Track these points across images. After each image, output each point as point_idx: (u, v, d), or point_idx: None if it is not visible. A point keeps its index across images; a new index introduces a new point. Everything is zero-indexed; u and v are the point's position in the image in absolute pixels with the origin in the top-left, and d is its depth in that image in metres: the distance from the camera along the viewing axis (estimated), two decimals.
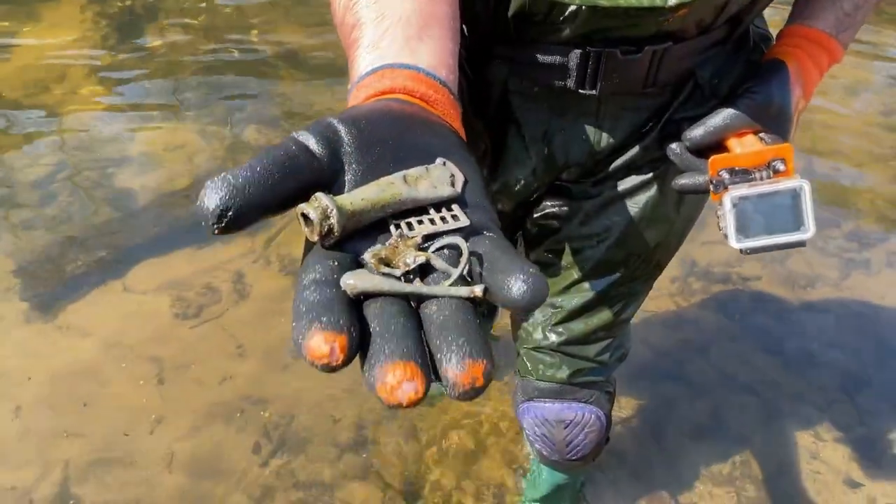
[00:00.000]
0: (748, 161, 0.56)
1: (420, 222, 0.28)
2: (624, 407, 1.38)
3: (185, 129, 2.08)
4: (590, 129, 0.63)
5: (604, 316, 0.76)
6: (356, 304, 0.24)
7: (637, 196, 0.68)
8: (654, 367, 1.48)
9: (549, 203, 0.71)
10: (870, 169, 2.21)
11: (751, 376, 1.47)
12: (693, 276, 1.73)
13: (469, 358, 0.22)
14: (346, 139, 0.29)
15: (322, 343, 0.21)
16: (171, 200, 1.83)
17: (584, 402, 0.82)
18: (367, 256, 0.26)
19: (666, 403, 1.40)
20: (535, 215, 0.73)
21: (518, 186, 0.69)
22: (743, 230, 0.56)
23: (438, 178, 0.29)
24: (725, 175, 0.56)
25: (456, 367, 0.22)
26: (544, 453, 0.92)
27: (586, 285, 0.74)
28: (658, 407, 1.39)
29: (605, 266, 0.72)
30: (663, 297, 1.65)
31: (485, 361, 0.22)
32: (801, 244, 0.56)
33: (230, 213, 0.24)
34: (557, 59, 0.56)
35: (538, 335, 0.80)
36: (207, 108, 2.19)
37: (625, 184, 0.67)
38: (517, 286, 0.23)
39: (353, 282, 0.24)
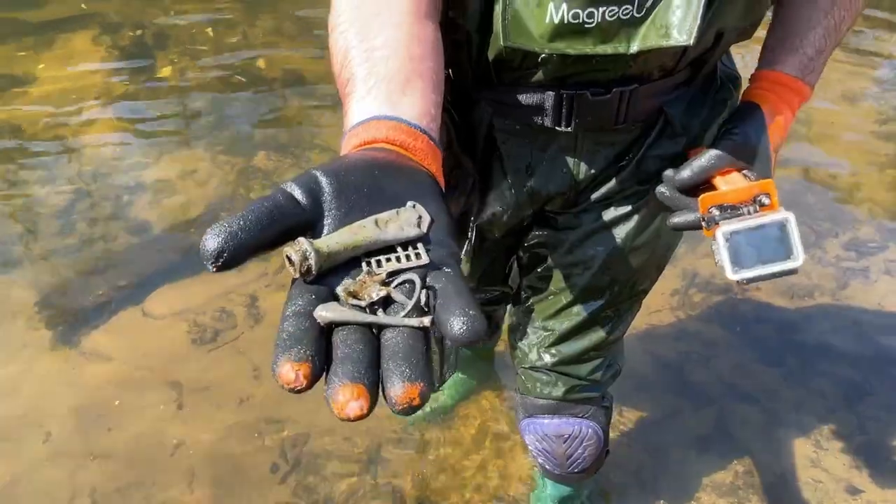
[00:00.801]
0: (735, 197, 0.60)
1: (388, 260, 0.33)
2: (628, 418, 1.42)
3: (197, 156, 2.15)
4: (569, 162, 0.68)
5: (593, 338, 0.81)
6: (327, 331, 0.29)
7: (618, 228, 0.73)
8: (657, 379, 1.52)
9: (537, 233, 0.77)
10: (867, 178, 2.25)
11: (752, 386, 1.50)
12: (694, 287, 1.77)
13: (408, 382, 0.26)
14: (326, 189, 0.33)
15: (289, 370, 0.26)
16: (185, 227, 1.90)
17: (581, 417, 0.87)
18: (340, 290, 0.31)
19: (669, 414, 1.44)
20: (527, 244, 0.79)
21: (505, 217, 0.74)
22: (738, 262, 0.59)
23: (407, 219, 0.34)
24: (716, 212, 0.61)
25: (396, 389, 0.26)
26: (547, 467, 0.96)
27: (575, 310, 0.79)
28: (662, 418, 1.43)
29: (591, 292, 0.77)
30: (666, 310, 1.70)
31: (421, 384, 0.27)
32: (793, 272, 0.60)
33: (225, 255, 0.29)
34: (535, 100, 0.62)
35: (533, 356, 0.85)
36: (217, 136, 2.26)
37: (606, 216, 0.73)
38: (457, 325, 0.28)
39: (323, 314, 0.29)
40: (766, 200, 0.60)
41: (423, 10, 0.47)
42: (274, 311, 1.64)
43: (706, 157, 0.63)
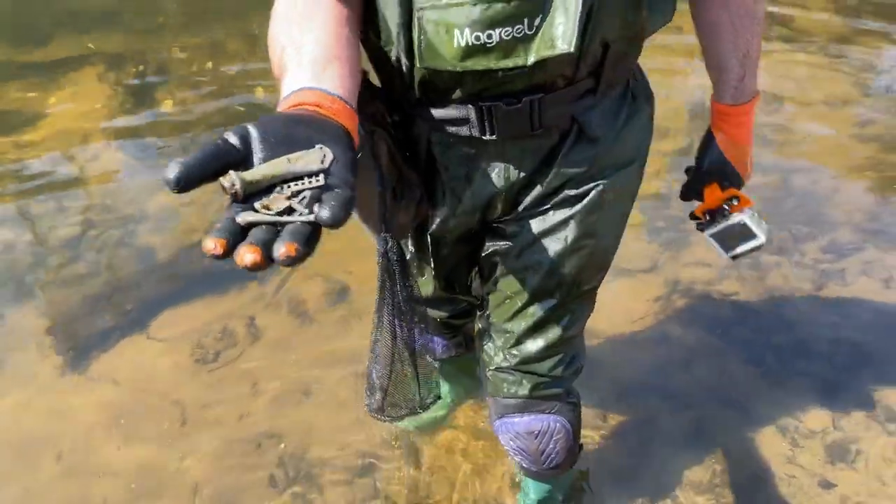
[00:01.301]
0: (714, 204, 0.92)
1: (294, 184, 0.44)
2: (610, 421, 1.48)
3: None
4: (501, 168, 0.77)
5: (550, 336, 0.89)
6: (246, 229, 0.41)
7: (558, 233, 0.81)
8: (640, 382, 1.58)
9: (490, 243, 0.87)
10: (846, 181, 2.31)
11: (731, 387, 1.56)
12: (676, 293, 1.83)
13: (287, 243, 0.38)
14: (254, 135, 0.45)
15: (210, 242, 0.38)
16: (187, 253, 2.00)
17: (548, 412, 0.94)
18: (257, 205, 0.43)
19: (651, 416, 1.50)
20: (483, 254, 0.88)
21: (453, 223, 0.83)
22: (725, 247, 0.94)
23: (314, 158, 0.45)
24: (706, 217, 0.94)
25: (279, 247, 0.38)
26: (524, 465, 1.03)
27: (530, 311, 0.87)
28: (643, 420, 1.49)
29: (543, 293, 0.86)
30: (649, 316, 1.76)
31: (296, 244, 0.38)
32: (761, 247, 0.92)
33: (182, 182, 0.40)
34: (460, 113, 0.71)
35: (499, 358, 0.93)
36: None
37: (546, 222, 0.81)
38: (323, 212, 0.39)
39: (241, 216, 0.41)
40: (735, 202, 0.90)
41: (344, 20, 0.61)
42: (272, 331, 1.73)
43: (691, 179, 0.93)
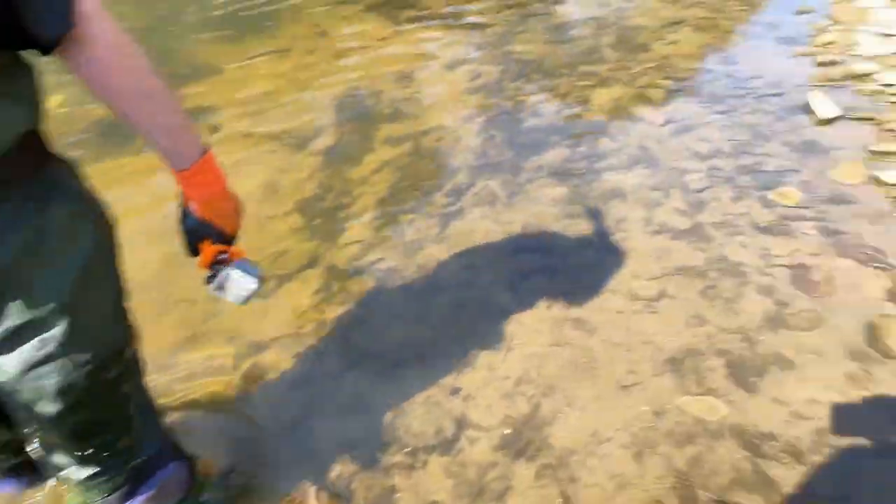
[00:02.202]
0: (208, 259, 0.98)
1: None
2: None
3: None
4: None
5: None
6: None
7: None
8: (319, 371, 1.66)
9: None
10: (463, 130, 2.68)
11: (374, 344, 1.72)
12: (334, 278, 1.95)
13: None
14: None
15: None
16: None
17: None
18: None
19: (312, 401, 1.58)
20: None
21: None
22: (230, 296, 1.00)
23: None
24: (211, 269, 0.99)
25: None
26: None
27: None
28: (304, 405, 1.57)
29: None
30: (311, 310, 1.85)
31: None
32: (259, 287, 1.00)
33: None
34: None
35: None
36: None
37: None
38: None
39: None
40: (224, 256, 0.99)
41: None
42: None
43: (180, 240, 0.97)
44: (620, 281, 1.78)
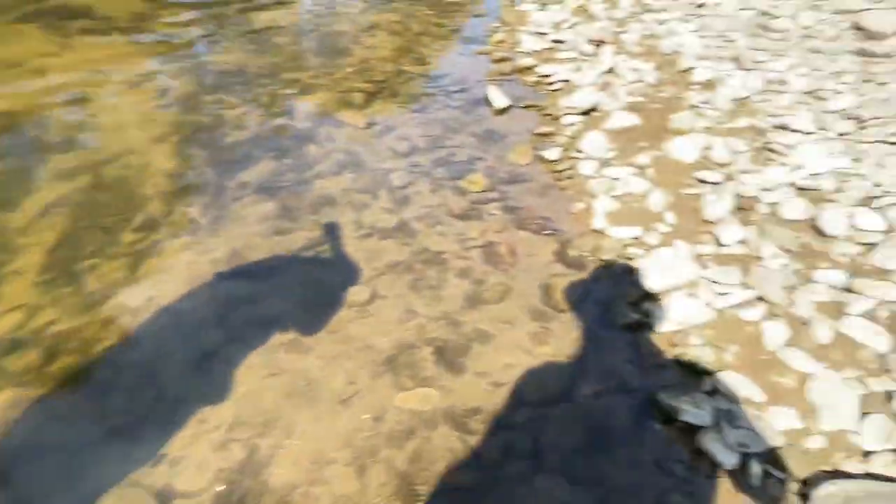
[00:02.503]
0: None
1: None
2: None
3: None
4: None
5: None
6: None
7: None
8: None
9: None
10: (155, 154, 2.39)
11: (53, 427, 1.42)
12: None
13: None
14: None
15: None
16: None
17: None
18: None
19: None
20: None
21: None
22: None
23: None
24: None
25: None
26: None
27: None
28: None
29: None
30: None
31: None
32: None
33: None
34: None
35: None
36: None
37: None
38: None
39: None
40: None
41: None
42: None
43: None
44: (333, 292, 1.75)
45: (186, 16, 3.73)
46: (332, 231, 1.98)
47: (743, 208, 1.90)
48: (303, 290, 1.75)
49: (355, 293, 1.74)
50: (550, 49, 3.16)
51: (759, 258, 1.68)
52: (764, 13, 3.23)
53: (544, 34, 3.34)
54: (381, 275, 1.81)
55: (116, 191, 2.17)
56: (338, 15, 3.77)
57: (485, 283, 1.78)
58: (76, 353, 1.58)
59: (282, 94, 2.81)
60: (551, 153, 2.30)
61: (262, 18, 3.70)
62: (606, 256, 1.81)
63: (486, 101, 2.72)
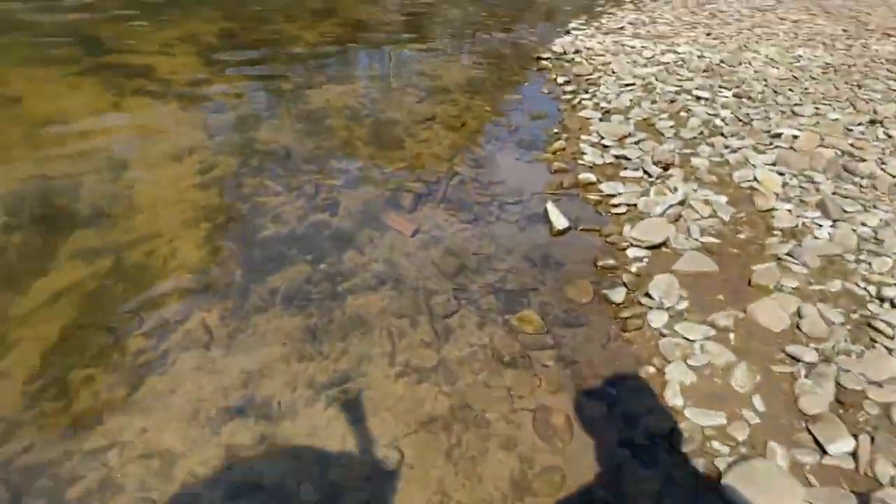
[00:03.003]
0: None
1: None
2: None
3: None
4: None
5: None
6: None
7: None
8: None
9: None
10: (183, 241, 2.21)
11: None
12: None
13: None
14: None
15: None
16: None
17: None
18: None
19: None
20: None
21: None
22: None
23: None
24: None
25: None
26: None
27: None
28: None
29: None
30: None
31: None
32: None
33: None
34: None
35: None
36: None
37: None
38: None
39: None
40: None
41: None
42: None
43: None
44: (345, 452, 1.48)
45: (244, 86, 3.70)
46: (362, 362, 1.73)
47: (843, 403, 1.60)
48: (312, 437, 1.49)
49: (380, 458, 1.47)
50: (614, 165, 2.98)
51: (878, 483, 1.36)
52: (846, 153, 3.02)
53: (607, 147, 3.17)
54: (412, 433, 1.54)
55: (134, 281, 1.98)
56: (394, 102, 3.69)
57: (534, 465, 1.48)
58: (44, 496, 1.33)
59: (327, 185, 2.65)
60: (616, 294, 2.05)
61: (317, 98, 3.63)
62: (686, 448, 1.51)
63: (544, 218, 2.51)
